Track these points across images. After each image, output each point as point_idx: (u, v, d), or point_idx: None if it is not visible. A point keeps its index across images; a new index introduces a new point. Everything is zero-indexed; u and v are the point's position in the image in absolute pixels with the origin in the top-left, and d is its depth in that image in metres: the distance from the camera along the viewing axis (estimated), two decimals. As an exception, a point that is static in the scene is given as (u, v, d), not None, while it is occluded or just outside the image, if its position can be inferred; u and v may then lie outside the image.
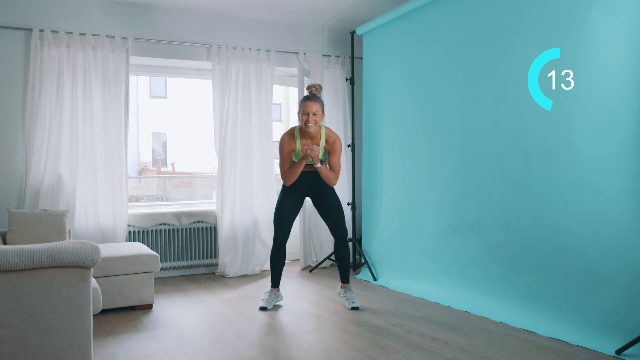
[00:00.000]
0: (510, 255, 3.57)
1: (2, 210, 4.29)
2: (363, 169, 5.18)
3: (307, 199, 4.96)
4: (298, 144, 3.72)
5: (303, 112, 3.64)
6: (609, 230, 2.97)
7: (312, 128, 3.63)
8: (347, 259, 3.90)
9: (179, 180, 19.07)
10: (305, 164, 3.76)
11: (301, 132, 3.72)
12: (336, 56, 5.56)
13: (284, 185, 3.85)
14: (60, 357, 2.23)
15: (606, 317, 2.95)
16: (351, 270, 5.23)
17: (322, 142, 3.73)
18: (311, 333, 3.32)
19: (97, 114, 4.57)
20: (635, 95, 2.84)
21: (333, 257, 5.31)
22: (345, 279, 3.93)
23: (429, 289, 4.14)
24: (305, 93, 3.76)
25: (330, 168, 3.78)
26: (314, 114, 3.62)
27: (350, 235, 5.39)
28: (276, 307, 3.89)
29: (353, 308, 3.79)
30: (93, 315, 2.76)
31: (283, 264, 3.91)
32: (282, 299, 3.98)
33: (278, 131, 5.19)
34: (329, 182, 3.75)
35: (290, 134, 3.76)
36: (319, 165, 3.67)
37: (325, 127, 3.77)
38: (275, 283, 3.92)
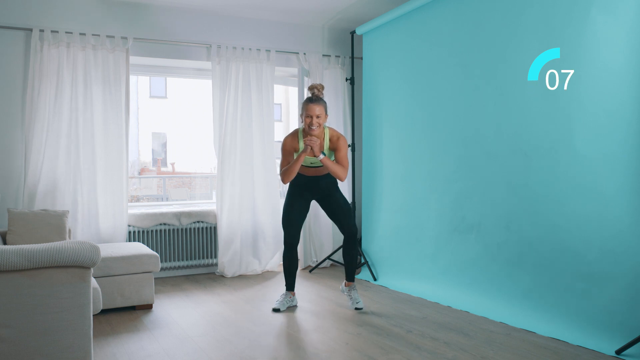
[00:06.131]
0: (511, 255, 3.57)
1: (2, 210, 4.29)
2: (363, 169, 5.18)
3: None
4: (301, 144, 3.66)
5: (307, 115, 3.55)
6: (609, 231, 2.97)
7: (315, 131, 3.56)
8: (354, 258, 3.84)
9: (179, 180, 19.06)
10: (310, 168, 3.72)
11: (304, 134, 3.66)
12: (336, 56, 5.56)
13: (290, 188, 3.82)
14: (60, 357, 2.23)
15: (606, 317, 2.95)
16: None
17: (326, 142, 3.65)
18: (311, 333, 3.32)
19: (97, 114, 4.57)
20: (635, 95, 2.84)
21: (333, 257, 5.31)
22: (350, 278, 3.89)
23: (429, 289, 4.14)
24: (307, 94, 3.72)
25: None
26: (318, 117, 3.54)
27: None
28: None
29: (357, 309, 3.78)
30: (93, 315, 2.76)
31: (296, 267, 3.88)
32: (296, 303, 3.92)
33: (278, 131, 5.18)
34: (338, 176, 3.60)
35: (294, 135, 3.70)
36: (321, 156, 3.53)
37: (329, 127, 3.72)
38: (290, 286, 3.88)
